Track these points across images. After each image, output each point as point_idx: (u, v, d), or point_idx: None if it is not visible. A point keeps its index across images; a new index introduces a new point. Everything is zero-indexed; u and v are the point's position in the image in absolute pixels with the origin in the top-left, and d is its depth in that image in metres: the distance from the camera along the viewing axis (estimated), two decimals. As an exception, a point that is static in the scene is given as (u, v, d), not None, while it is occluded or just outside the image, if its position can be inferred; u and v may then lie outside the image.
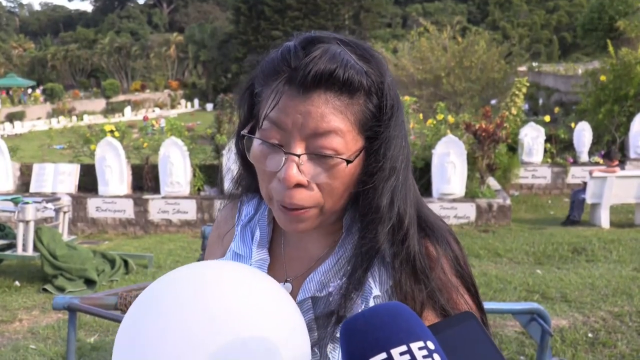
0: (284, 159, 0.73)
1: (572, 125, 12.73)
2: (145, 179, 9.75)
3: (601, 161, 10.56)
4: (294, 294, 0.83)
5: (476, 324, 0.61)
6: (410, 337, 0.52)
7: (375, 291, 0.78)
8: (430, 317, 0.76)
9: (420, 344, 0.52)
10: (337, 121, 0.72)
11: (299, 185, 0.73)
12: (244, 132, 0.79)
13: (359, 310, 0.77)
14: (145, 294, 0.62)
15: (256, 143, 0.76)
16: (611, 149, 9.21)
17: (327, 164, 0.73)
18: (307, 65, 0.71)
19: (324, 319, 0.78)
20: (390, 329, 0.53)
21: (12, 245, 6.16)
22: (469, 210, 8.71)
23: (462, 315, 0.62)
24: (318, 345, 0.78)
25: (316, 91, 0.71)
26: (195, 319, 0.58)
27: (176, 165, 9.25)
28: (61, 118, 31.87)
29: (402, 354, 0.51)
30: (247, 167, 0.86)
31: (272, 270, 0.86)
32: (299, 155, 0.72)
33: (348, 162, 0.73)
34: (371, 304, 0.77)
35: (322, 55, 0.71)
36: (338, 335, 0.77)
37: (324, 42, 0.74)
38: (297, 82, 0.72)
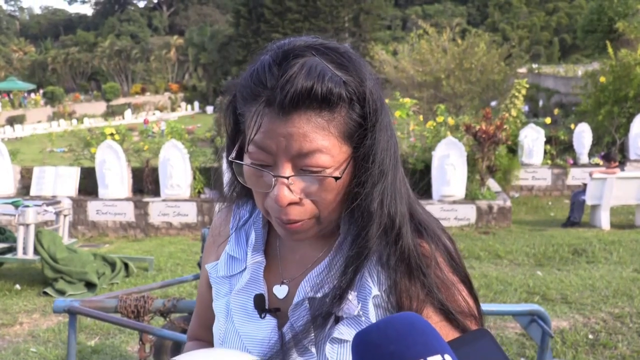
0: (273, 180, 0.74)
1: (572, 126, 12.73)
2: (145, 182, 9.75)
3: (601, 162, 10.56)
4: (290, 295, 0.84)
5: (491, 341, 0.60)
6: (428, 351, 0.50)
7: (374, 291, 0.78)
8: (430, 314, 0.76)
9: (438, 357, 0.50)
10: (320, 139, 0.71)
11: (292, 203, 0.74)
12: (232, 157, 0.79)
13: (356, 311, 0.77)
14: None
15: (246, 166, 0.77)
16: (610, 151, 9.20)
17: (316, 179, 0.74)
18: (284, 86, 0.70)
19: (321, 320, 0.78)
20: (406, 342, 0.51)
21: (12, 249, 6.16)
22: (469, 212, 8.70)
23: (476, 333, 0.61)
24: (315, 346, 0.79)
25: (296, 111, 0.71)
26: None
27: (176, 168, 9.25)
28: (61, 121, 31.94)
29: None
30: (237, 179, 0.86)
31: (268, 273, 0.87)
32: (287, 177, 0.73)
33: (337, 178, 0.73)
34: (370, 304, 0.78)
35: (298, 73, 0.70)
36: (336, 335, 0.77)
37: (299, 55, 0.72)
38: (276, 104, 0.71)
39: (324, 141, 0.72)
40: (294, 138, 0.71)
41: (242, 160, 0.78)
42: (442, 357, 0.50)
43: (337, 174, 0.74)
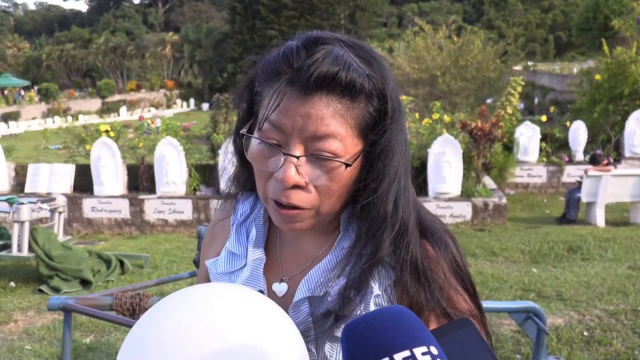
0: (282, 159, 0.73)
1: (568, 124, 12.76)
2: (140, 179, 9.72)
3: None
4: (289, 293, 0.83)
5: (473, 330, 0.61)
6: (414, 342, 0.51)
7: (375, 290, 0.78)
8: (432, 318, 0.76)
9: (424, 349, 0.51)
10: (336, 125, 0.72)
11: (296, 186, 0.73)
12: (243, 131, 0.78)
13: (358, 311, 0.76)
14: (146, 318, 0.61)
15: (255, 142, 0.76)
16: (595, 154, 9.14)
17: (326, 166, 0.73)
18: (310, 67, 0.70)
19: (321, 319, 0.78)
20: (393, 333, 0.52)
21: (7, 246, 6.14)
22: (464, 209, 8.72)
23: (459, 322, 0.62)
24: (315, 345, 0.78)
25: (317, 93, 0.71)
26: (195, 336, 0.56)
27: (172, 165, 9.22)
28: (56, 118, 31.79)
29: (405, 359, 0.50)
30: (244, 164, 0.85)
31: (267, 270, 0.86)
32: (297, 157, 0.72)
33: (347, 165, 0.73)
34: (371, 303, 0.77)
35: (325, 57, 0.70)
36: (336, 334, 0.77)
37: (327, 43, 0.73)
38: (298, 84, 0.71)
39: (340, 128, 0.72)
40: (311, 119, 0.71)
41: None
42: (428, 348, 0.51)
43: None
